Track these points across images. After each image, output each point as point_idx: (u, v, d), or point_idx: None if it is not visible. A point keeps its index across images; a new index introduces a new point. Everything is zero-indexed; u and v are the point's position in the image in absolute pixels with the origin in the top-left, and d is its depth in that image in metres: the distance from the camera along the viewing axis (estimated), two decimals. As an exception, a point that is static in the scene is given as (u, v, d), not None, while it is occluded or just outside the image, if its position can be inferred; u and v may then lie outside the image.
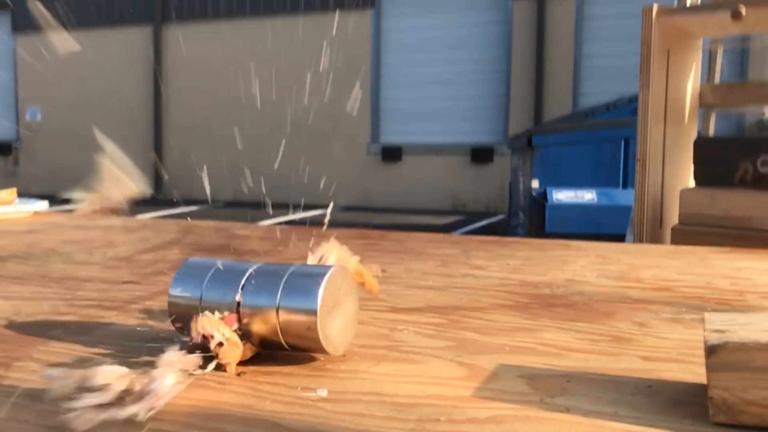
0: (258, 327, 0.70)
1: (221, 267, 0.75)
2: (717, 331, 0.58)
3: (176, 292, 0.75)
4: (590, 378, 0.66)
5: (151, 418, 0.57)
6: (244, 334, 0.70)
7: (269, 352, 0.73)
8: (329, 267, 0.71)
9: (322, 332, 0.68)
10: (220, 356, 0.67)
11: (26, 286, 1.11)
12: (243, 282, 0.72)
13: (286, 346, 0.70)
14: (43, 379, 0.64)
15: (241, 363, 0.69)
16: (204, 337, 0.68)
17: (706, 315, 0.62)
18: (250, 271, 0.73)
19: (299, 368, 0.70)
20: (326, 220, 1.07)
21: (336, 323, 0.70)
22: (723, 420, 0.55)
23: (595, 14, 11.73)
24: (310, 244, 0.82)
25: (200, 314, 0.69)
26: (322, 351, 0.69)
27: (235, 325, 0.70)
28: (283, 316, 0.69)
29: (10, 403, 0.61)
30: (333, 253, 0.81)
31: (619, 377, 0.67)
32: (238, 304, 0.71)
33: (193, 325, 0.69)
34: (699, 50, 2.40)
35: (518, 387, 0.64)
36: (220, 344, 0.67)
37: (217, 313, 0.70)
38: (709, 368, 0.55)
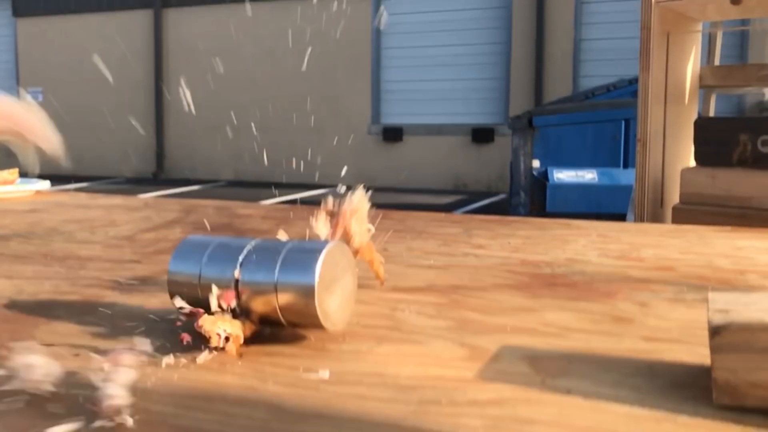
0: (256, 303, 0.70)
1: (220, 244, 0.75)
2: (721, 311, 0.57)
3: (175, 269, 0.75)
4: (591, 359, 0.67)
5: (153, 401, 0.58)
6: (243, 311, 0.71)
7: (270, 333, 0.73)
8: (327, 242, 0.71)
9: (320, 308, 0.68)
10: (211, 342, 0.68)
11: (28, 265, 1.11)
12: (241, 259, 0.72)
13: (285, 323, 0.71)
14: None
15: (243, 343, 0.69)
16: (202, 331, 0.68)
17: (710, 294, 0.61)
18: (248, 247, 0.73)
19: (301, 349, 0.70)
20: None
21: (334, 299, 0.70)
22: (727, 402, 0.54)
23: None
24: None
25: (202, 316, 0.69)
26: (321, 327, 0.69)
27: (234, 302, 0.70)
28: (281, 291, 0.69)
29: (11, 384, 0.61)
30: (362, 208, 0.82)
31: (621, 358, 0.67)
32: (237, 280, 0.71)
33: (196, 324, 0.69)
34: (699, 33, 2.40)
35: (520, 368, 0.64)
36: (217, 345, 0.68)
37: (215, 288, 0.71)
38: (713, 349, 0.55)
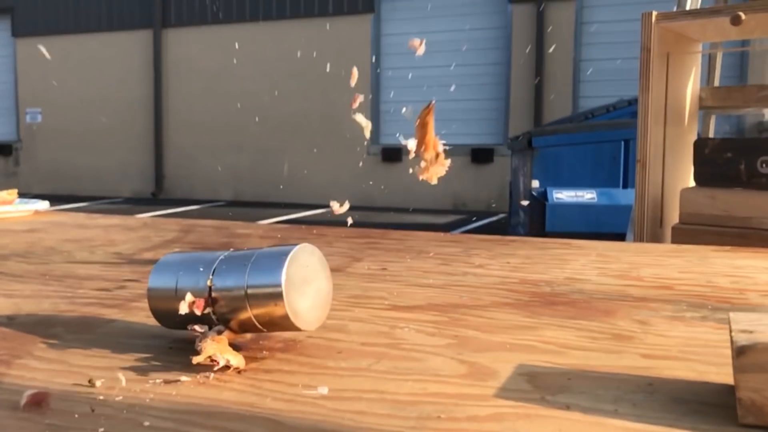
0: (230, 309, 0.72)
1: (195, 257, 0.77)
2: (745, 331, 0.57)
3: (153, 285, 0.77)
4: (591, 375, 0.67)
5: (151, 416, 0.58)
6: (220, 318, 0.72)
7: (269, 352, 0.73)
8: (295, 245, 0.73)
9: (290, 308, 0.69)
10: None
11: (27, 284, 1.11)
12: (214, 267, 0.73)
13: (260, 326, 0.72)
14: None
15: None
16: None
17: (732, 315, 0.61)
18: (221, 257, 0.75)
19: (300, 366, 0.70)
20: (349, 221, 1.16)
21: (305, 299, 0.72)
22: (752, 422, 0.54)
23: (594, 19, 11.75)
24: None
25: (206, 338, 0.70)
26: (294, 327, 0.71)
27: (208, 309, 0.72)
28: (252, 295, 0.71)
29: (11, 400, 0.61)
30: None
31: (620, 375, 0.67)
32: (210, 288, 0.72)
33: (199, 346, 0.69)
34: (699, 54, 2.41)
35: (519, 385, 0.64)
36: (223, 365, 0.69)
37: (188, 296, 0.72)
38: (738, 369, 0.55)
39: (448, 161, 0.94)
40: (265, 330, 0.72)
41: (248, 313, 0.71)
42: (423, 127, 0.92)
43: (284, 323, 0.71)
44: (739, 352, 0.55)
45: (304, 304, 0.71)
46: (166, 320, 0.77)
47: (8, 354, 0.74)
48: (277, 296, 0.69)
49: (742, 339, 0.56)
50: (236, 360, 0.68)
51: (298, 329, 0.71)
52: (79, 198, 14.18)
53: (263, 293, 0.70)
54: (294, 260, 0.71)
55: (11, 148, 16.20)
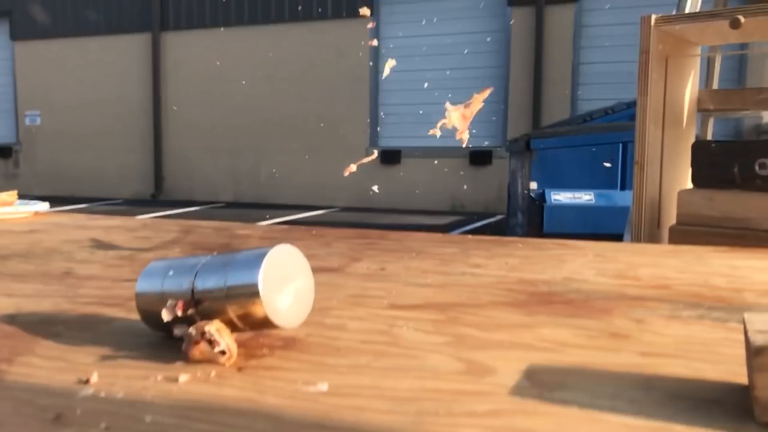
0: (212, 310, 0.73)
1: (181, 261, 0.79)
2: (761, 331, 0.58)
3: (140, 289, 0.80)
4: (588, 373, 0.67)
5: (152, 412, 0.58)
6: (203, 319, 0.73)
7: (269, 350, 0.73)
8: (273, 246, 0.74)
9: (268, 306, 0.71)
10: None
11: (28, 284, 1.12)
12: (197, 270, 0.75)
13: (241, 326, 0.73)
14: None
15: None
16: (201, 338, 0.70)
17: (746, 315, 0.62)
18: (204, 260, 0.77)
19: (300, 364, 0.71)
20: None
21: (284, 298, 0.73)
22: None
23: (593, 22, 11.76)
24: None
25: (208, 324, 0.71)
26: (272, 324, 0.72)
27: (191, 311, 0.74)
28: (231, 295, 0.72)
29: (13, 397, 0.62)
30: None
31: (617, 372, 0.67)
32: (192, 289, 0.74)
33: (197, 328, 0.70)
34: (697, 57, 2.41)
35: (517, 381, 0.65)
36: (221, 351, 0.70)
37: (170, 301, 0.74)
38: (756, 369, 0.55)
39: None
40: (247, 328, 0.74)
41: (229, 312, 0.72)
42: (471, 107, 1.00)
43: (263, 321, 0.72)
44: (757, 352, 0.56)
45: (282, 303, 0.73)
46: (156, 325, 0.78)
47: (10, 352, 0.74)
48: (255, 295, 0.70)
49: (759, 339, 0.57)
50: (234, 347, 0.70)
51: (276, 327, 0.73)
52: (78, 200, 14.17)
53: (242, 293, 0.72)
54: (271, 260, 0.72)
55: (11, 150, 16.21)
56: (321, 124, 13.03)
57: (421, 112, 12.11)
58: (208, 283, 0.74)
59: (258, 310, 0.71)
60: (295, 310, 0.75)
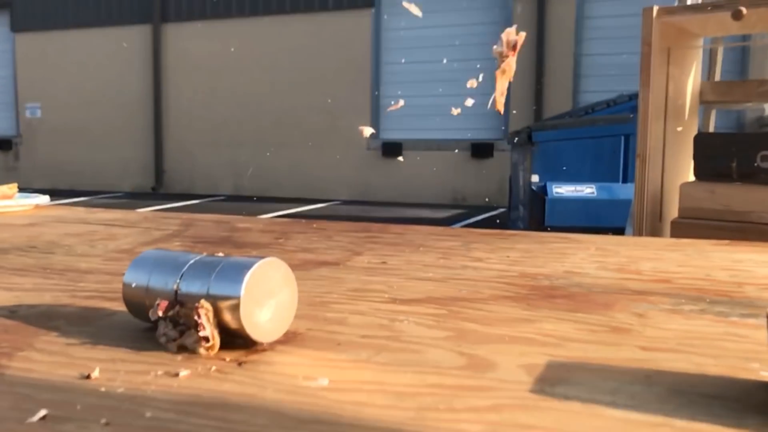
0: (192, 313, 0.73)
1: (171, 257, 0.80)
2: None
3: (128, 280, 0.80)
4: (589, 368, 0.67)
5: (151, 407, 0.58)
6: (185, 322, 0.73)
7: (269, 345, 0.73)
8: (261, 258, 0.74)
9: (246, 320, 0.71)
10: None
11: (28, 277, 1.11)
12: (183, 271, 0.76)
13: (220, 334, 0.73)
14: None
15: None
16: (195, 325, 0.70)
17: None
18: (191, 261, 0.77)
19: (300, 358, 0.70)
20: None
21: (265, 312, 0.73)
22: None
23: (595, 14, 11.74)
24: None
25: (202, 306, 0.71)
26: (248, 337, 0.72)
27: (172, 312, 0.74)
28: (213, 303, 0.72)
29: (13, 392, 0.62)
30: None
31: (618, 367, 0.67)
32: (176, 291, 0.75)
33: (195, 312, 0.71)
34: (699, 49, 2.41)
35: (518, 376, 0.65)
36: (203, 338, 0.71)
37: (158, 300, 0.75)
38: None
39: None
40: (223, 335, 0.74)
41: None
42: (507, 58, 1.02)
43: (241, 333, 0.72)
44: None
45: (262, 317, 0.73)
46: (140, 315, 0.79)
47: (10, 346, 0.74)
48: (235, 307, 0.70)
49: None
50: (217, 338, 0.71)
51: (254, 342, 0.73)
52: (79, 193, 14.18)
53: (222, 302, 0.71)
54: (257, 273, 0.72)
55: (11, 143, 16.21)
56: (322, 116, 13.03)
57: (422, 104, 12.12)
58: (192, 287, 0.74)
59: (236, 323, 0.71)
60: (276, 323, 0.75)
